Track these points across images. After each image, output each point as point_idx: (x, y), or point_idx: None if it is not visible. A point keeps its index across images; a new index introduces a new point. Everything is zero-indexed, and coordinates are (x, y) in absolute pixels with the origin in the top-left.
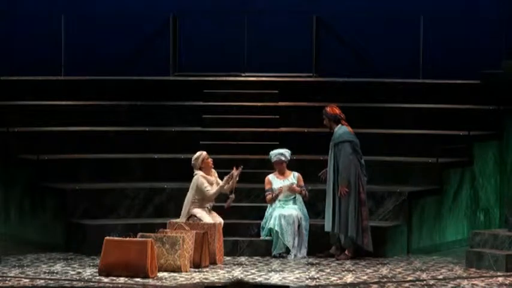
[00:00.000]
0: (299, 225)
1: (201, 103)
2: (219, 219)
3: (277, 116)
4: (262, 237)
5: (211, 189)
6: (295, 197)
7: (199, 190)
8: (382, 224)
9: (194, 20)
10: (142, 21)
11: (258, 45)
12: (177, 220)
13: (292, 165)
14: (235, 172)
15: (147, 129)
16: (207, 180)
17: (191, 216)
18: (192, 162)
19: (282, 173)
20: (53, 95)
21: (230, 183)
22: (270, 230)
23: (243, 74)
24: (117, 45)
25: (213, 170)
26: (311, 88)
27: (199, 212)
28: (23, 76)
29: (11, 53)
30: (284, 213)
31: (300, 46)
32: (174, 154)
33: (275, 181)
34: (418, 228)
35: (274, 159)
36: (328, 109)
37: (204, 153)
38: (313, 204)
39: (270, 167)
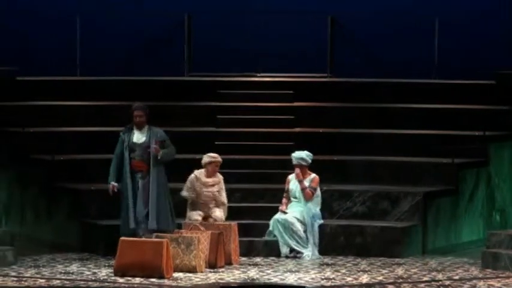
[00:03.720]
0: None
1: (216, 103)
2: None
3: (292, 117)
4: (265, 238)
5: (186, 193)
6: None
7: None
8: (398, 225)
9: (209, 20)
10: (157, 21)
11: (273, 46)
12: (190, 220)
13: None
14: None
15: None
16: (201, 182)
17: (206, 217)
18: (203, 158)
19: (301, 174)
20: (69, 95)
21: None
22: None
23: (258, 75)
24: (131, 45)
25: (219, 174)
26: (326, 88)
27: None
28: (38, 76)
29: (27, 54)
30: (279, 218)
31: (315, 46)
32: (188, 154)
33: (293, 182)
34: (434, 229)
35: (294, 162)
36: (146, 106)
37: (218, 159)
38: (329, 205)
39: (285, 167)
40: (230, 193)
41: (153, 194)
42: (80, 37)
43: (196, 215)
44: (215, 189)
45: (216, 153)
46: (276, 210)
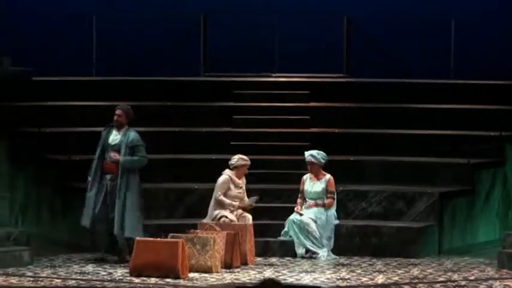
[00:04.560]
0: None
1: (232, 103)
2: (247, 219)
3: (308, 117)
4: (280, 238)
5: (222, 196)
6: (322, 198)
7: (216, 188)
8: (413, 225)
9: (225, 20)
10: (173, 21)
11: (289, 46)
12: (205, 220)
13: (324, 165)
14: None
15: (176, 129)
16: (233, 182)
17: (222, 216)
18: (232, 159)
19: (314, 174)
20: (84, 95)
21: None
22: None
23: (274, 75)
24: (147, 45)
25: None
26: (342, 89)
27: (222, 212)
28: (54, 77)
29: (43, 54)
30: (294, 219)
31: (331, 46)
32: (204, 155)
33: (307, 182)
34: (450, 229)
35: (306, 159)
36: (129, 107)
37: (249, 162)
38: (344, 205)
39: (301, 167)
40: (246, 193)
41: (120, 200)
42: (95, 37)
43: (227, 212)
44: (243, 190)
45: (232, 153)
46: (291, 210)
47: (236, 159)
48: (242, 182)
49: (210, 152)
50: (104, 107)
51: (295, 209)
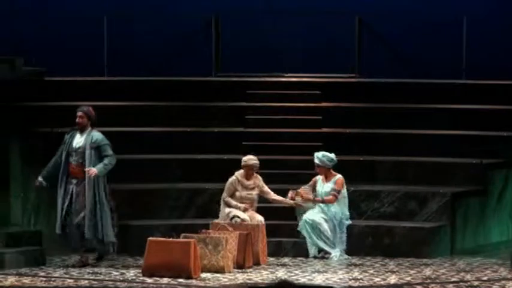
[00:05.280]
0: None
1: (244, 104)
2: (258, 218)
3: (320, 117)
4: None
5: (228, 198)
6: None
7: (225, 188)
8: (425, 225)
9: (237, 20)
10: (185, 21)
11: (301, 46)
12: (217, 220)
13: (335, 166)
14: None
15: (188, 129)
16: (241, 184)
17: (234, 216)
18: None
19: (324, 176)
20: (96, 95)
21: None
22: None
23: (286, 75)
24: (159, 45)
25: (256, 174)
26: (353, 89)
27: (233, 211)
28: (66, 77)
29: (55, 54)
30: (307, 218)
31: (343, 46)
32: (216, 155)
33: (319, 183)
34: (462, 229)
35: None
36: (90, 109)
37: (257, 162)
38: (357, 205)
39: (313, 167)
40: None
41: (89, 202)
42: (107, 37)
43: (236, 212)
44: (255, 192)
45: (245, 153)
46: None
47: (246, 158)
48: (254, 183)
49: (222, 152)
50: (116, 107)
51: (290, 195)
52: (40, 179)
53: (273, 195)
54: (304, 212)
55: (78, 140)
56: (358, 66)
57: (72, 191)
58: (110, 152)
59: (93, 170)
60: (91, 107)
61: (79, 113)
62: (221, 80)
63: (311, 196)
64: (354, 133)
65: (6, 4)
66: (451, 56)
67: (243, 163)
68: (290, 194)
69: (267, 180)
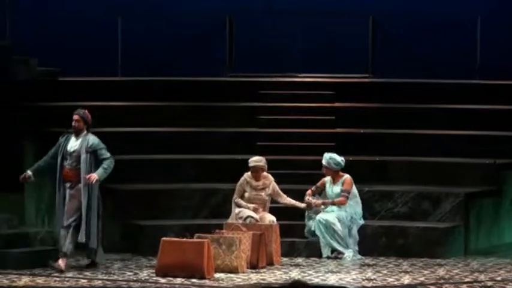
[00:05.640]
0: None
1: (257, 104)
2: (270, 218)
3: (333, 117)
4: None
5: (238, 199)
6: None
7: (236, 190)
8: (439, 225)
9: (250, 21)
10: (199, 21)
11: (314, 46)
12: (229, 220)
13: (348, 166)
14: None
15: (202, 130)
16: (250, 185)
17: (248, 217)
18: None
19: (331, 178)
20: (110, 95)
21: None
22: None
23: (299, 75)
24: (172, 45)
25: (268, 175)
26: (367, 89)
27: (243, 211)
28: (80, 77)
29: (69, 54)
30: (321, 218)
31: (356, 47)
32: (230, 155)
33: (328, 184)
34: (476, 230)
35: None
36: (86, 112)
37: (260, 163)
38: (370, 205)
39: None
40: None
41: (83, 207)
42: (121, 37)
43: (249, 212)
44: (264, 192)
45: (258, 153)
46: (318, 211)
47: (249, 161)
48: (263, 184)
49: (235, 153)
50: (129, 107)
51: (307, 198)
52: (29, 172)
53: (285, 199)
54: (315, 213)
55: (73, 144)
56: (371, 66)
57: (67, 195)
58: (107, 154)
59: (94, 176)
60: (87, 110)
61: (75, 117)
62: (234, 80)
63: (320, 201)
64: (368, 133)
65: (20, 4)
66: (464, 55)
67: (249, 165)
68: (308, 197)
69: (280, 181)
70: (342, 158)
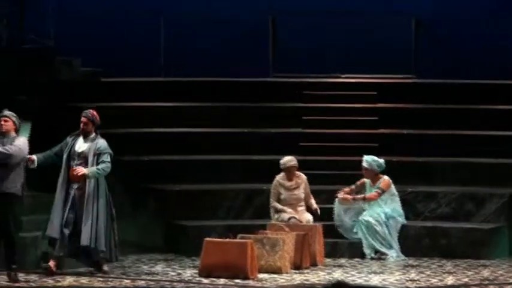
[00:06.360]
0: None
1: (301, 104)
2: (307, 218)
3: (376, 118)
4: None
5: (274, 203)
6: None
7: (271, 194)
8: (484, 226)
9: (293, 21)
10: (242, 22)
11: (357, 47)
12: (273, 221)
13: (391, 167)
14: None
15: (246, 130)
16: (283, 186)
17: (291, 217)
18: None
19: (370, 180)
20: (153, 96)
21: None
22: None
23: (342, 76)
24: (216, 46)
25: (300, 174)
26: (410, 89)
27: (281, 215)
28: (123, 77)
29: (111, 55)
30: (362, 219)
31: (399, 47)
32: (273, 155)
33: (367, 186)
34: None
35: (362, 164)
36: (95, 113)
37: (292, 162)
38: (413, 206)
39: None
40: (315, 194)
41: (89, 209)
42: (164, 38)
43: (288, 215)
44: (298, 191)
45: (301, 154)
46: (360, 212)
47: (280, 162)
48: (296, 183)
49: (279, 153)
50: (172, 108)
51: (340, 194)
52: (35, 157)
53: (311, 203)
54: (356, 214)
55: (82, 145)
56: (414, 66)
57: (75, 196)
58: (107, 159)
59: (81, 170)
60: (95, 111)
61: (83, 119)
62: (278, 80)
63: (350, 197)
64: (411, 134)
65: (64, 5)
66: (509, 56)
67: (281, 166)
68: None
69: (322, 181)
70: (383, 160)
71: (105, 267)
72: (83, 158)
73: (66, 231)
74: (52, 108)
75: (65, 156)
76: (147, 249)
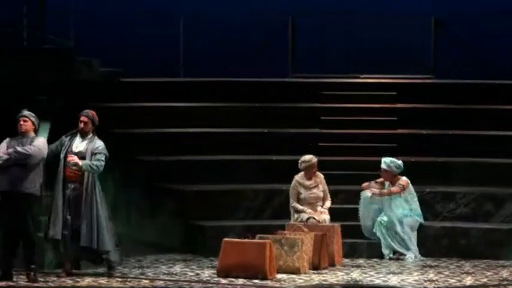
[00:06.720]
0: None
1: (319, 105)
2: (323, 217)
3: (395, 118)
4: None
5: (295, 203)
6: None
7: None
8: (503, 227)
9: (312, 22)
10: (261, 22)
11: (376, 47)
12: (292, 221)
13: (409, 168)
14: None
15: (265, 130)
16: (302, 185)
17: (310, 218)
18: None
19: (389, 181)
20: (172, 96)
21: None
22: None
23: (361, 76)
24: (235, 46)
25: (318, 173)
26: (429, 90)
27: (301, 215)
28: (142, 78)
29: (131, 55)
30: (382, 220)
31: (418, 48)
32: (292, 156)
33: (386, 187)
34: None
35: (381, 166)
36: (94, 113)
37: (313, 161)
38: (432, 206)
39: None
40: (333, 194)
41: (87, 209)
42: (183, 38)
43: (306, 215)
44: (318, 190)
45: (320, 154)
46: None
47: (301, 160)
48: (314, 182)
49: (298, 153)
50: (191, 108)
51: (366, 185)
52: None
53: (325, 203)
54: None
55: (79, 145)
56: (433, 67)
57: (70, 196)
58: (102, 158)
59: (76, 159)
60: (94, 111)
61: (84, 118)
62: (297, 81)
63: (378, 191)
64: (430, 134)
65: (83, 5)
66: None
67: (301, 165)
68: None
69: (341, 181)
70: (401, 161)
71: (114, 269)
72: (80, 158)
73: (66, 233)
74: (72, 108)
75: (61, 156)
76: (165, 250)
